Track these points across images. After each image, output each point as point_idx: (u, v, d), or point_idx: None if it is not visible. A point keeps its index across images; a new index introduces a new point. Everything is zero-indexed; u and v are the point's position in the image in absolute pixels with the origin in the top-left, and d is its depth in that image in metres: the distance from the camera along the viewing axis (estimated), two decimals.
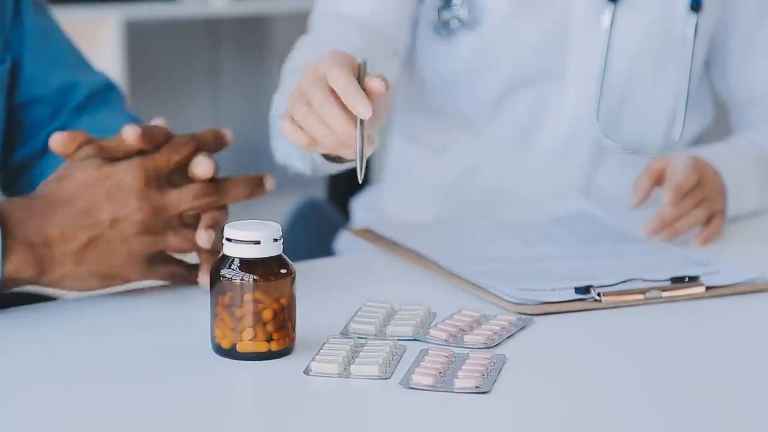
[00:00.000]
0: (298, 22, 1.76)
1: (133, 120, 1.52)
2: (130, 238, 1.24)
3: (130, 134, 1.27)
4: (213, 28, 3.50)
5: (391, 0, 1.65)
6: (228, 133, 1.35)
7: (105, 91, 1.53)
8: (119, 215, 1.24)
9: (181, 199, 1.27)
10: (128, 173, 1.25)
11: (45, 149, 1.50)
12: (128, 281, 1.27)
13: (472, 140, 1.70)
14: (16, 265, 1.20)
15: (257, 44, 3.57)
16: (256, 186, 1.32)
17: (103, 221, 1.23)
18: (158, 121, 1.34)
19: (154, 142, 1.28)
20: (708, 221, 1.53)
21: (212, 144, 1.32)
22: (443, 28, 1.66)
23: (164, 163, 1.27)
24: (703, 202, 1.52)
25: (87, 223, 1.23)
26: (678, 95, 1.68)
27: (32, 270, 1.22)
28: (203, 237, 1.26)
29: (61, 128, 1.48)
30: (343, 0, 1.66)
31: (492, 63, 1.66)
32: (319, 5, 1.70)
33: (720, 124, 1.83)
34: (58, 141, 1.28)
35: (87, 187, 1.24)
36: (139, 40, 3.30)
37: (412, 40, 1.69)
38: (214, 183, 1.29)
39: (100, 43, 2.98)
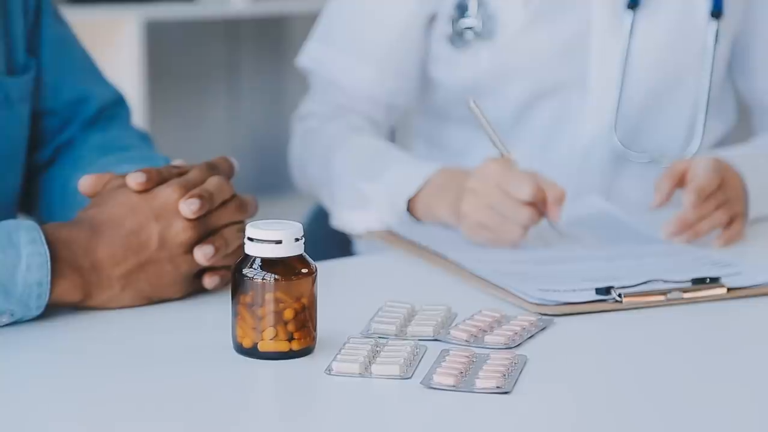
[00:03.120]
0: (317, 23, 1.76)
1: (140, 137, 1.52)
2: (177, 258, 1.24)
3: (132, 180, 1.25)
4: (232, 28, 3.51)
5: (389, 67, 1.68)
6: (235, 162, 1.34)
7: (114, 105, 1.53)
8: (166, 235, 1.23)
9: (221, 215, 1.27)
10: (172, 194, 1.24)
11: (51, 161, 1.49)
12: (169, 299, 1.26)
13: (494, 147, 1.70)
14: (64, 289, 1.20)
15: (276, 44, 3.58)
16: (256, 205, 1.33)
17: (152, 242, 1.23)
18: (177, 162, 1.34)
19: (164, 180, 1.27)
20: (729, 223, 1.52)
21: (228, 170, 1.32)
22: (458, 38, 1.66)
23: (200, 182, 1.27)
24: (724, 204, 1.51)
25: (136, 244, 1.22)
26: (698, 103, 1.67)
27: (79, 294, 1.21)
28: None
29: (70, 142, 1.49)
30: (338, 67, 1.69)
31: (511, 74, 1.66)
32: (312, 53, 1.72)
33: (743, 127, 1.82)
34: (87, 184, 1.28)
35: (133, 209, 1.23)
36: (158, 40, 3.30)
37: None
38: (241, 199, 1.30)
39: (120, 43, 2.99)
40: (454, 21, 1.66)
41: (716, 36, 1.64)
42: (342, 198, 1.61)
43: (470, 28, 1.65)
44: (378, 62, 1.68)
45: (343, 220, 1.62)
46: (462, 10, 1.65)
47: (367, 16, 1.69)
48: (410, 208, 1.55)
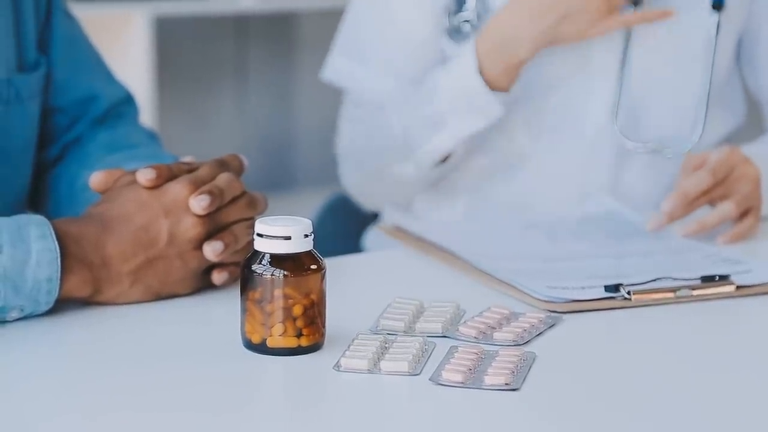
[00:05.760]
0: (326, 19, 1.77)
1: (148, 136, 1.52)
2: (186, 254, 1.24)
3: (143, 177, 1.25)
4: (241, 24, 3.51)
5: (415, 76, 1.69)
6: (245, 159, 1.35)
7: (123, 104, 1.53)
8: (176, 231, 1.23)
9: (231, 212, 1.27)
10: (182, 190, 1.24)
11: (59, 158, 1.50)
12: (179, 295, 1.26)
13: (499, 141, 1.70)
14: (74, 284, 1.20)
15: (284, 41, 3.58)
16: (265, 202, 1.34)
17: (161, 237, 1.23)
18: (187, 158, 1.34)
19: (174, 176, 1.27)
20: (743, 216, 1.52)
21: (238, 167, 1.32)
22: (456, 32, 1.66)
23: (210, 178, 1.27)
24: (730, 197, 1.50)
25: (145, 239, 1.22)
26: (700, 95, 1.66)
27: (88, 289, 1.21)
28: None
29: (78, 140, 1.49)
30: (364, 80, 1.71)
31: None
32: (337, 68, 1.74)
33: (753, 124, 1.82)
34: (98, 180, 1.28)
35: (142, 205, 1.23)
36: (167, 36, 3.31)
37: None
38: (251, 195, 1.30)
39: (129, 39, 2.99)
40: (451, 14, 1.65)
41: (717, 28, 1.64)
42: (416, 137, 1.64)
43: (467, 21, 1.65)
44: (401, 74, 1.68)
45: (426, 155, 1.64)
46: (460, 3, 1.65)
47: (384, 27, 1.69)
48: (489, 83, 1.60)
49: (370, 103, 1.71)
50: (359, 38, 1.72)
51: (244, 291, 1.12)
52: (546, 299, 1.26)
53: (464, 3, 1.64)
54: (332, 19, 1.75)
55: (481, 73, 1.59)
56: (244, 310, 1.12)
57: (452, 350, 1.12)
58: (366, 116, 1.72)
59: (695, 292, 1.29)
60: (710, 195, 1.51)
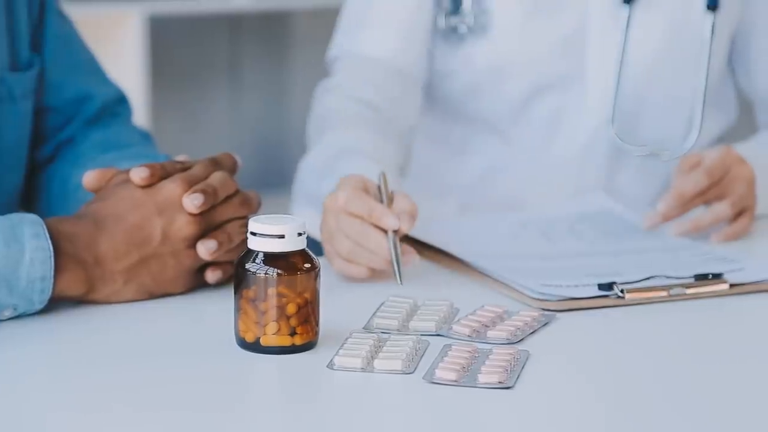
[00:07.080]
0: (320, 18, 1.77)
1: (141, 135, 1.52)
2: (180, 253, 1.24)
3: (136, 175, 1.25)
4: (234, 23, 3.51)
5: (412, 36, 1.67)
6: (238, 158, 1.34)
7: (116, 104, 1.53)
8: (169, 230, 1.23)
9: (224, 210, 1.27)
10: (176, 188, 1.24)
11: (52, 157, 1.49)
12: (172, 294, 1.26)
13: (494, 142, 1.70)
14: (67, 283, 1.20)
15: (278, 40, 3.58)
16: (259, 200, 1.33)
17: (155, 236, 1.23)
18: (181, 157, 1.34)
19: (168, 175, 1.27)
20: (737, 216, 1.52)
21: (231, 166, 1.32)
22: (452, 33, 1.66)
23: (204, 177, 1.27)
24: (726, 197, 1.51)
25: (139, 238, 1.22)
26: (696, 96, 1.66)
27: (82, 288, 1.21)
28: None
29: (71, 140, 1.49)
30: (364, 42, 1.68)
31: (509, 69, 1.65)
32: (338, 43, 1.71)
33: (744, 123, 1.82)
34: (91, 179, 1.28)
35: (136, 203, 1.23)
36: (161, 35, 3.30)
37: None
38: (244, 194, 1.30)
39: (123, 38, 2.99)
40: (448, 15, 1.65)
41: (712, 29, 1.64)
42: (296, 194, 1.61)
43: (463, 22, 1.65)
44: (399, 32, 1.67)
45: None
46: (457, 4, 1.65)
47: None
48: None
49: (367, 59, 1.69)
50: (357, 12, 1.71)
51: (237, 290, 1.12)
52: (540, 297, 1.26)
53: (461, 4, 1.64)
54: (326, 18, 1.75)
55: None
56: (238, 309, 1.12)
57: (446, 348, 1.12)
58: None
59: (689, 291, 1.30)
60: (706, 196, 1.51)
